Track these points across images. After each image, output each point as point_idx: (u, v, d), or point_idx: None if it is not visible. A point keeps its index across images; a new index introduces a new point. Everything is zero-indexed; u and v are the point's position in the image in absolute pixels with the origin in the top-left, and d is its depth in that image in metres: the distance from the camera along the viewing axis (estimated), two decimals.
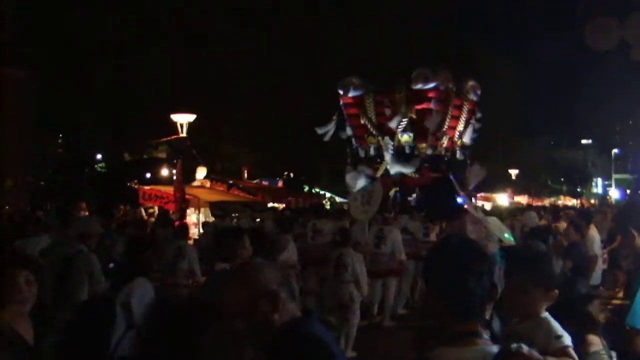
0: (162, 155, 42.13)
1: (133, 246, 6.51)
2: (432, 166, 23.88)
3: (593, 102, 72.17)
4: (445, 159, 25.66)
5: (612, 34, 16.97)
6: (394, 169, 24.58)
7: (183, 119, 20.94)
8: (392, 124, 24.40)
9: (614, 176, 77.25)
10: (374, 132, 25.21)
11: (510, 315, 3.50)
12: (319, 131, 25.51)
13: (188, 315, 2.16)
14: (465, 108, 25.42)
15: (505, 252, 3.56)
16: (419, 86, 24.02)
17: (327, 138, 25.80)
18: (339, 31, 37.94)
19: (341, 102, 25.38)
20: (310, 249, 13.69)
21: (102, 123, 37.93)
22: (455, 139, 25.65)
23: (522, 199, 46.26)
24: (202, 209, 21.47)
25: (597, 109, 71.61)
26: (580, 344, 3.60)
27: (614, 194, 69.94)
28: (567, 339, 3.33)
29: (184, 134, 20.94)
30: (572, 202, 59.53)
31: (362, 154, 26.09)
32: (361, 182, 23.35)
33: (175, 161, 21.78)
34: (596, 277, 10.20)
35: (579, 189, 79.80)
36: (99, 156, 47.12)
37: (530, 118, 59.21)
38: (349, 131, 25.56)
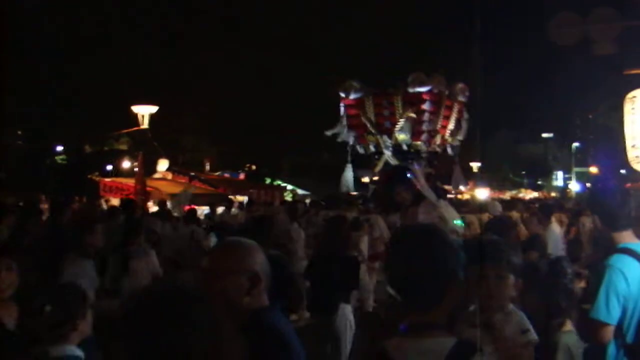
0: (124, 147, 41.74)
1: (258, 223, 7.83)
2: (427, 162, 25.83)
3: (554, 96, 73.01)
4: (437, 154, 27.91)
5: (574, 29, 17.13)
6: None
7: (144, 111, 20.66)
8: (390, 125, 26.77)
9: (574, 169, 78.18)
10: (373, 131, 26.72)
11: (479, 307, 3.44)
12: (328, 133, 27.69)
13: (173, 301, 2.15)
14: (456, 108, 27.42)
15: (471, 243, 3.51)
16: (415, 89, 25.63)
17: (341, 139, 28.00)
18: (310, 28, 38.09)
19: (342, 104, 27.22)
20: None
21: (63, 115, 37.45)
22: (447, 137, 27.74)
23: (484, 192, 46.48)
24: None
25: (558, 104, 72.49)
26: (562, 322, 3.65)
27: (574, 187, 70.75)
28: (533, 334, 3.34)
29: (146, 126, 20.70)
30: (532, 194, 60.13)
31: (361, 151, 27.87)
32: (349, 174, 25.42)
33: (136, 153, 21.57)
34: None
35: (539, 182, 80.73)
36: (59, 148, 46.52)
37: (491, 111, 59.72)
38: (350, 138, 27.51)
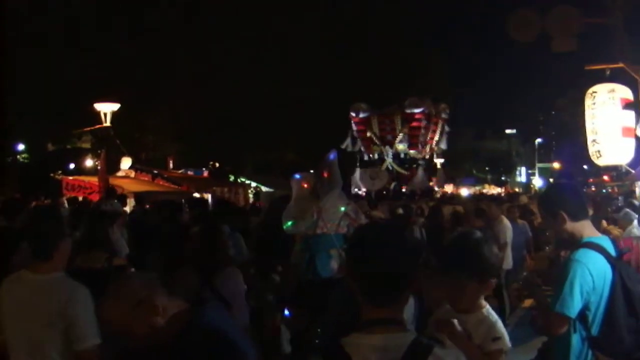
0: (86, 145, 41.22)
1: None
2: (422, 166, 34.32)
3: (517, 93, 73.66)
4: (426, 159, 35.84)
5: (535, 26, 17.32)
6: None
7: (107, 108, 20.49)
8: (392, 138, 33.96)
9: (537, 165, 79.09)
10: (377, 143, 34.07)
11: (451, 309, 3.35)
12: (343, 146, 32.69)
13: None
14: (440, 123, 35.80)
15: (455, 242, 3.38)
16: (410, 110, 32.90)
17: (349, 149, 33.93)
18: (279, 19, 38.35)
19: (352, 122, 34.18)
20: None
21: (25, 112, 36.93)
22: (434, 146, 36.28)
23: (448, 188, 46.77)
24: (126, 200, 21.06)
25: (521, 100, 73.19)
26: None
27: (537, 182, 71.59)
28: (505, 342, 3.24)
29: (108, 124, 20.52)
30: (496, 190, 60.53)
31: (367, 158, 34.55)
32: (357, 174, 31.20)
33: (99, 151, 21.39)
34: (507, 263, 10.89)
35: (503, 178, 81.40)
36: (21, 146, 45.86)
37: (455, 108, 59.92)
38: (360, 148, 34.60)
